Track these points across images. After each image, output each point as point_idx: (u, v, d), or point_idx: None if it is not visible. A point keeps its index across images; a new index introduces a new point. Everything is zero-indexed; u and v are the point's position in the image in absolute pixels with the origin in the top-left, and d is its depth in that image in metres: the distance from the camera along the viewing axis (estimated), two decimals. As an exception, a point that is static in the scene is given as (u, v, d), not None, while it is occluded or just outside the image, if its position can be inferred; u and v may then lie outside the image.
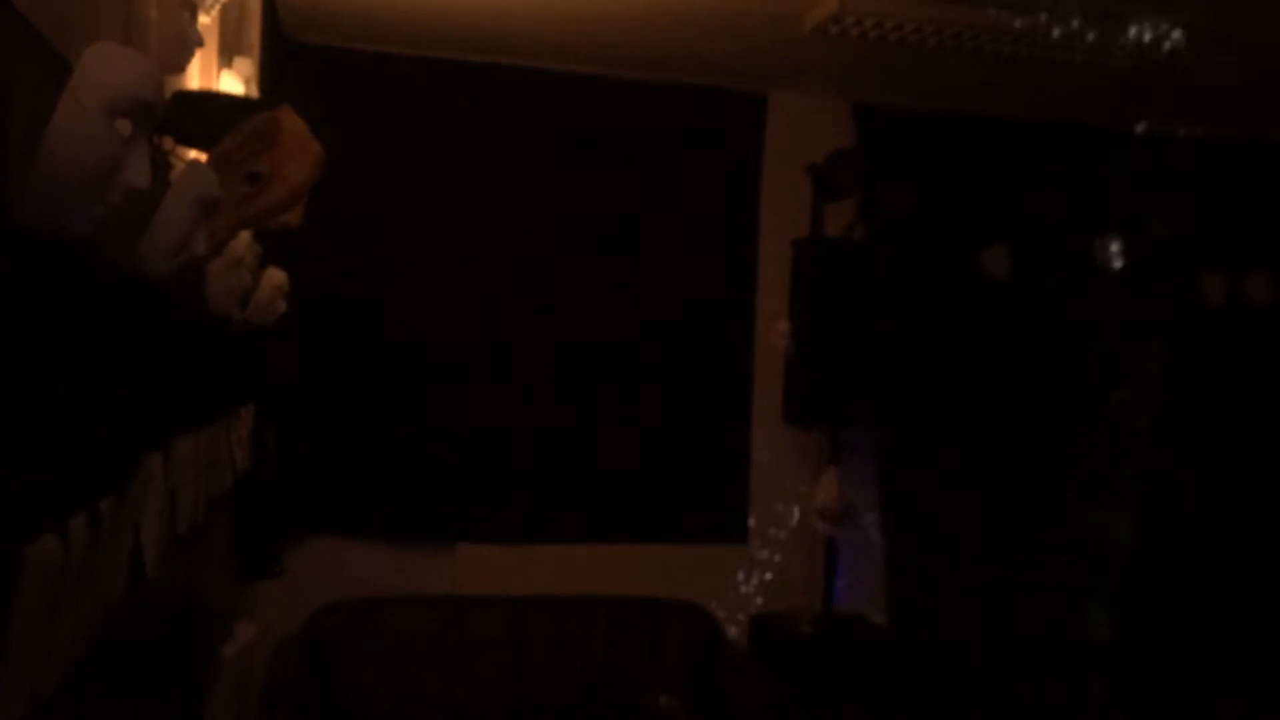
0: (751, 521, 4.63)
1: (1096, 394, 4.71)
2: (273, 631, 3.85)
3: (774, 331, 4.44)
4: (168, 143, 1.93)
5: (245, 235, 2.60)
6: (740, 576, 4.59)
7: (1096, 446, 4.73)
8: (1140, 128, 4.82)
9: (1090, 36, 3.51)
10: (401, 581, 4.22)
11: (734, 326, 4.61)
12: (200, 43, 1.95)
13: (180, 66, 1.92)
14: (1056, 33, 3.49)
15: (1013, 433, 4.64)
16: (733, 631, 4.46)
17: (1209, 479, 4.81)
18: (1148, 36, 3.51)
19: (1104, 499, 4.72)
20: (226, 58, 2.70)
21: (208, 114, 1.90)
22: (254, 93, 2.85)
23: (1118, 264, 4.68)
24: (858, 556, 4.58)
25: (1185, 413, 4.79)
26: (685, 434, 4.55)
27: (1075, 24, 3.44)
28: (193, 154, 2.01)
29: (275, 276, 2.92)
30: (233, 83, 2.58)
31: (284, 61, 3.83)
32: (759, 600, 4.55)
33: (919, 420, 4.58)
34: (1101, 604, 4.65)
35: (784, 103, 4.62)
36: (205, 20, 2.29)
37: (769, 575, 4.60)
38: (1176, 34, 3.51)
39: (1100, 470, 4.73)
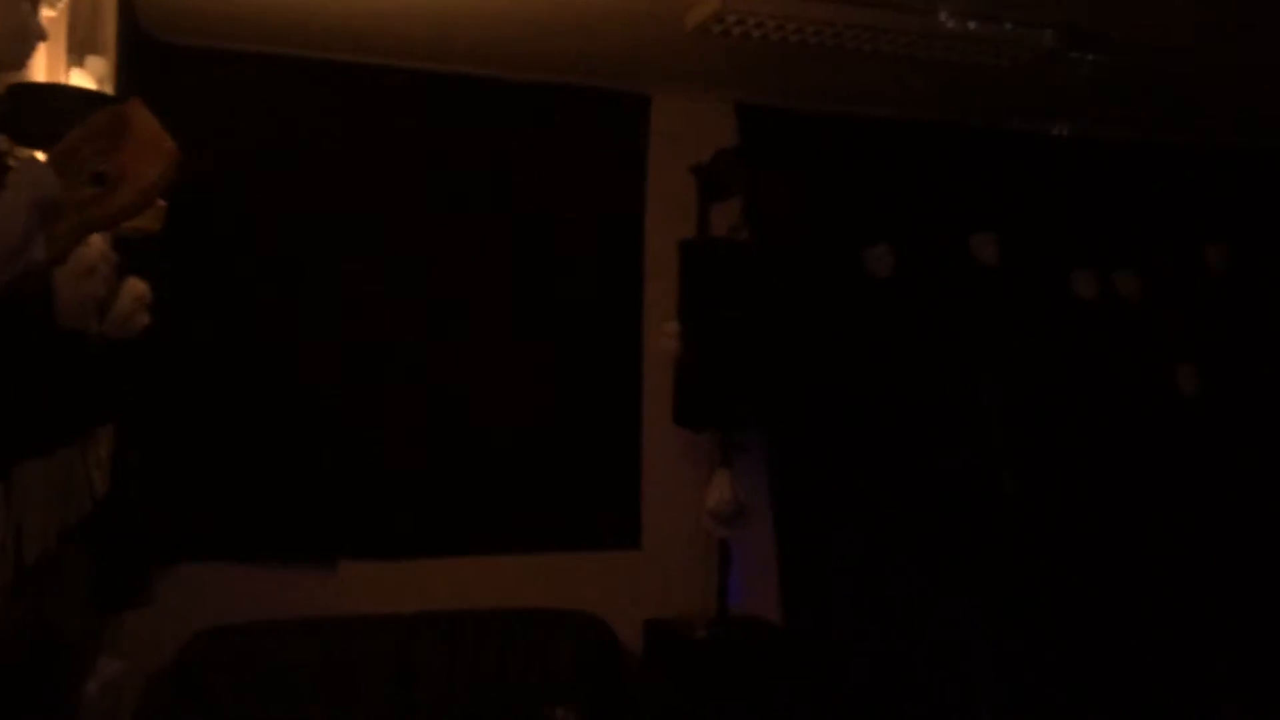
0: (644, 526, 4.58)
1: (975, 388, 4.81)
2: (142, 665, 3.64)
3: (663, 333, 4.41)
4: (4, 141, 1.78)
5: (100, 243, 2.44)
6: (634, 582, 4.53)
7: (977, 441, 4.83)
8: (1014, 127, 4.93)
9: (968, 36, 3.56)
10: (281, 605, 4.02)
11: (622, 328, 4.55)
12: (43, 36, 1.80)
13: (19, 62, 1.77)
14: (935, 33, 3.53)
15: (898, 430, 4.70)
16: (628, 638, 4.40)
17: (1083, 467, 4.95)
18: (1025, 36, 3.57)
19: (988, 494, 4.82)
20: (78, 55, 2.53)
21: (49, 109, 1.76)
22: (109, 92, 2.67)
23: (993, 261, 4.78)
24: (751, 558, 4.58)
25: (1059, 404, 4.93)
26: (575, 438, 4.47)
27: (954, 24, 3.49)
28: (35, 154, 1.87)
29: (136, 287, 2.76)
30: (84, 82, 2.41)
31: (144, 61, 3.63)
32: (653, 605, 4.50)
33: (806, 421, 4.60)
34: (991, 600, 4.73)
35: (668, 103, 4.59)
36: (51, 14, 2.13)
37: (663, 580, 4.56)
38: (1051, 34, 3.58)
39: (981, 464, 4.83)
